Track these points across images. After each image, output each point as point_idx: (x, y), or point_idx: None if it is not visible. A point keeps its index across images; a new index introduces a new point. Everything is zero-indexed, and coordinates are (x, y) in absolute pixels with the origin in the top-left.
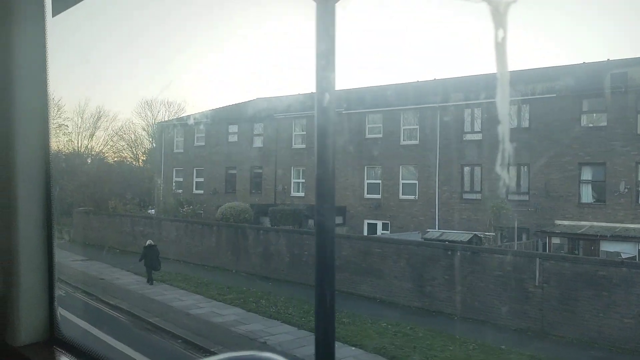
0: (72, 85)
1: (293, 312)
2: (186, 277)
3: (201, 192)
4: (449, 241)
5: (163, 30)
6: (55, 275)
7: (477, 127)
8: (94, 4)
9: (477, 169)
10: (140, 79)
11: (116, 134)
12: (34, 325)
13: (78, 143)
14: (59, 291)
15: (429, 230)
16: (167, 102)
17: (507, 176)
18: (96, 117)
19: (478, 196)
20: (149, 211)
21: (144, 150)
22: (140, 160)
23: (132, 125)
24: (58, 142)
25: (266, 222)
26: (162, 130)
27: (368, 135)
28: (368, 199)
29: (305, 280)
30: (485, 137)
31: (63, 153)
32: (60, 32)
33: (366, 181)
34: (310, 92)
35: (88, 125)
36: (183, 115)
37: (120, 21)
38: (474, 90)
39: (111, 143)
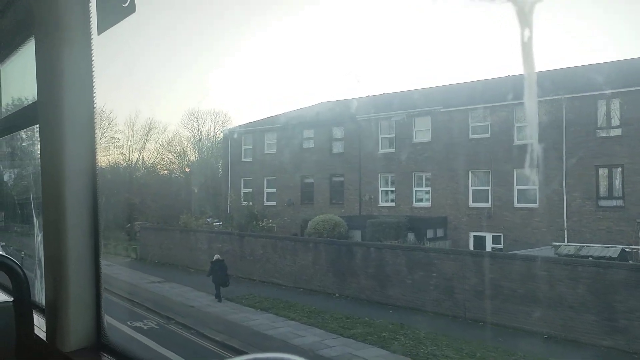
0: (123, 98)
1: (453, 356)
2: (288, 304)
3: (273, 203)
4: (593, 257)
5: (206, 39)
6: (101, 284)
7: (616, 121)
8: (136, 20)
9: (617, 171)
10: (186, 89)
11: (164, 147)
12: (82, 332)
13: (129, 155)
14: (151, 322)
15: (558, 244)
16: (213, 112)
17: None
18: (147, 128)
19: (619, 202)
20: (215, 224)
21: (187, 162)
22: (184, 172)
23: (179, 137)
24: (109, 155)
25: (357, 235)
26: (229, 138)
27: (472, 136)
28: (474, 208)
29: (436, 309)
30: (627, 132)
31: (120, 166)
32: (106, 48)
33: (471, 188)
34: (397, 91)
35: (139, 137)
36: (229, 125)
37: (164, 34)
38: (611, 77)
39: (160, 156)
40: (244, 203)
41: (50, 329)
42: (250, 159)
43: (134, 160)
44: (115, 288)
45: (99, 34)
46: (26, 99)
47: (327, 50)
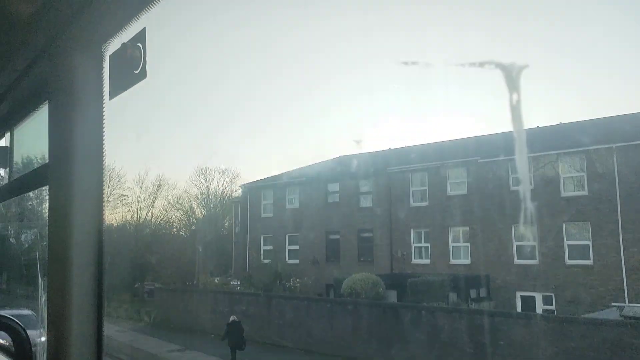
0: (133, 156)
1: None
2: None
3: (296, 261)
4: None
5: (214, 98)
6: (103, 347)
7: None
8: (148, 85)
9: None
10: (194, 147)
11: (172, 205)
12: None
13: (138, 213)
14: None
15: (619, 304)
16: (222, 169)
17: None
18: (157, 185)
19: None
20: (233, 284)
21: (194, 220)
22: (190, 230)
23: (187, 195)
24: (117, 213)
25: (391, 296)
26: (247, 193)
27: (513, 187)
28: (520, 265)
29: None
30: None
31: (128, 224)
32: (118, 111)
33: (515, 243)
34: (430, 142)
35: (148, 194)
36: (238, 182)
37: (173, 96)
38: None
39: (168, 214)
40: (264, 261)
41: None
42: (271, 215)
43: (143, 217)
44: (130, 357)
45: (110, 98)
46: (37, 161)
47: (344, 104)
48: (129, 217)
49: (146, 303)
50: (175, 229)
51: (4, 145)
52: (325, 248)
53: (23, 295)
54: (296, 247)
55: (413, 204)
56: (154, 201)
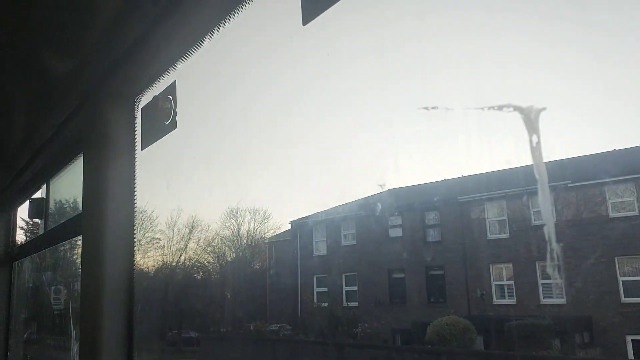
0: (164, 200)
1: None
2: None
3: (355, 304)
4: None
5: (242, 141)
6: None
7: None
8: (176, 135)
9: None
10: (225, 189)
11: (203, 249)
12: None
13: (170, 256)
14: None
15: None
16: (252, 209)
17: None
18: (190, 227)
19: None
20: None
21: (224, 263)
22: (220, 274)
23: (218, 237)
24: (147, 257)
25: (477, 342)
26: (297, 230)
27: (613, 214)
28: (628, 304)
29: None
30: None
31: (161, 269)
32: (149, 159)
33: (620, 278)
34: (503, 168)
35: (180, 237)
36: (270, 222)
37: (202, 144)
38: None
39: (199, 257)
40: (320, 304)
41: None
42: (324, 253)
43: (175, 261)
44: None
45: (142, 149)
46: (71, 210)
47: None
48: (160, 261)
49: (184, 353)
50: (206, 273)
51: (40, 196)
52: (388, 288)
53: (54, 346)
54: (354, 287)
55: (490, 236)
56: (187, 244)
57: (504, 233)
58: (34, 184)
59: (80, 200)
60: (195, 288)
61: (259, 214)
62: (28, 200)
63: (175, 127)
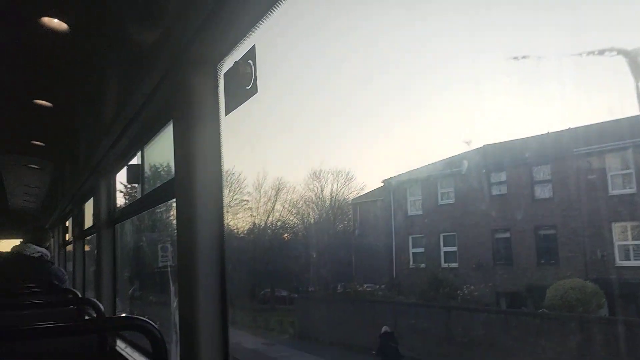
0: (250, 162)
1: None
2: None
3: (454, 265)
4: None
5: (323, 102)
6: (229, 351)
7: None
8: (259, 99)
9: None
10: (308, 151)
11: (288, 210)
12: None
13: (258, 218)
14: None
15: None
16: (336, 171)
17: None
18: (276, 189)
19: None
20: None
21: (307, 224)
22: (304, 235)
23: (302, 199)
24: (237, 219)
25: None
26: (390, 189)
27: None
28: None
29: None
30: None
31: (250, 230)
32: (234, 123)
33: None
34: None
35: (266, 199)
36: (352, 183)
37: (283, 104)
38: None
39: (285, 218)
40: (417, 265)
41: None
42: (420, 213)
43: (263, 222)
44: None
45: (226, 114)
46: (164, 175)
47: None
48: (249, 222)
49: (278, 312)
50: (292, 234)
51: (136, 163)
52: (491, 249)
53: (154, 302)
54: (453, 248)
55: (613, 192)
56: (274, 205)
57: (629, 188)
58: (130, 150)
59: (172, 164)
60: (283, 248)
61: (341, 176)
62: (126, 167)
63: (257, 92)
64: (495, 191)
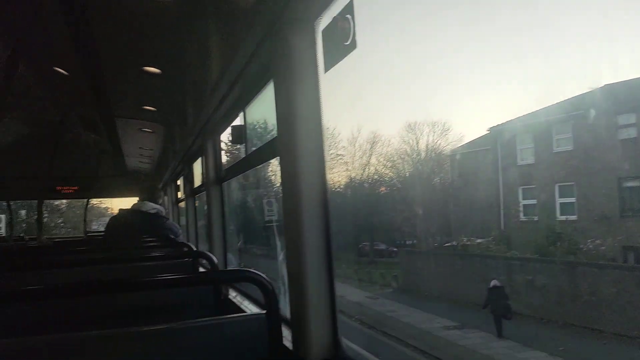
0: (346, 116)
1: None
2: None
3: (573, 217)
4: None
5: (419, 52)
6: (335, 302)
7: None
8: (356, 54)
9: None
10: (405, 103)
11: (382, 164)
12: (322, 344)
13: (353, 172)
14: None
15: None
16: (431, 122)
17: None
18: (371, 142)
19: None
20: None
21: (402, 178)
22: (399, 188)
23: (397, 152)
24: (333, 173)
25: None
26: (496, 137)
27: None
28: None
29: None
30: None
31: (346, 184)
32: (332, 79)
33: None
34: None
35: (361, 153)
36: (449, 135)
37: (380, 56)
38: None
39: (380, 171)
40: (529, 218)
41: (295, 339)
42: (531, 162)
43: (359, 176)
44: (401, 333)
45: (325, 71)
46: (267, 135)
47: None
48: (345, 176)
49: (377, 264)
50: (387, 188)
51: (239, 123)
52: (617, 199)
53: (259, 255)
54: (571, 199)
55: None
56: (369, 159)
57: None
58: (233, 111)
59: (272, 124)
60: (379, 202)
61: (437, 127)
62: (230, 127)
63: (355, 47)
64: (622, 135)
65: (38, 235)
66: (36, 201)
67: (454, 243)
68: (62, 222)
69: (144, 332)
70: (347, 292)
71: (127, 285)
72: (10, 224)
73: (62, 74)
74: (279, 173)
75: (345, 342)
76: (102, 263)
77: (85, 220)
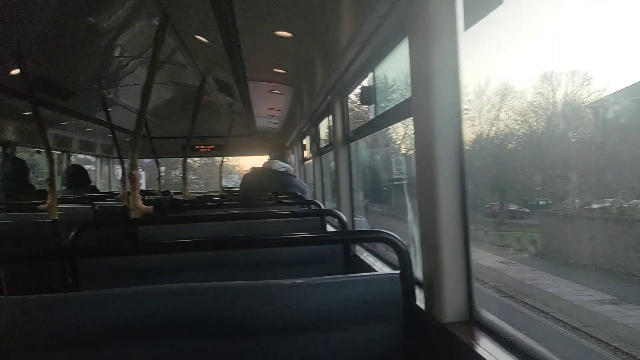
0: (474, 66)
1: None
2: None
3: None
4: None
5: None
6: (471, 264)
7: None
8: (502, 11)
9: None
10: (542, 50)
11: (514, 119)
12: (455, 306)
13: (480, 127)
14: None
15: None
16: (570, 71)
17: None
18: (501, 95)
19: None
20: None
21: (536, 133)
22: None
23: (530, 106)
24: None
25: None
26: None
27: None
28: None
29: None
30: None
31: (476, 140)
32: (470, 40)
33: None
34: None
35: (489, 107)
36: (590, 84)
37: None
38: None
39: (508, 127)
40: None
41: (428, 300)
42: None
43: (486, 131)
44: (545, 305)
45: (465, 29)
46: (397, 96)
47: None
48: (471, 132)
49: (508, 226)
50: (518, 144)
51: (367, 84)
52: None
53: (386, 214)
54: None
55: None
56: (498, 114)
57: None
58: (362, 72)
59: (400, 85)
60: (510, 160)
61: (577, 76)
62: (359, 88)
63: (501, 2)
64: None
65: (184, 190)
66: (172, 159)
67: (606, 204)
68: (195, 179)
69: (278, 285)
70: (478, 256)
71: (263, 242)
72: (158, 180)
73: (202, 41)
74: (407, 133)
75: (480, 308)
76: (238, 218)
77: (220, 177)
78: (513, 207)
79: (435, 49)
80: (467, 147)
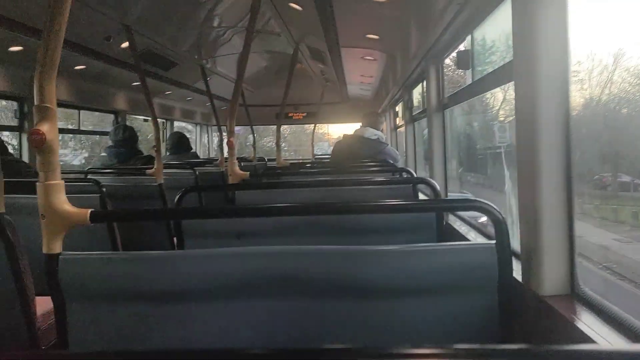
0: (582, 25)
1: None
2: None
3: None
4: None
5: None
6: (574, 238)
7: None
8: None
9: None
10: None
11: (629, 82)
12: (555, 279)
13: (590, 91)
14: None
15: None
16: None
17: None
18: (616, 55)
19: None
20: None
21: None
22: None
23: None
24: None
25: None
26: None
27: None
28: None
29: None
30: None
31: (586, 107)
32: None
33: None
34: None
35: (601, 68)
36: None
37: None
38: None
39: (622, 91)
40: None
41: (525, 272)
42: None
43: (597, 95)
44: None
45: None
46: (496, 59)
47: None
48: (580, 96)
49: (624, 200)
50: (636, 110)
51: (464, 49)
52: None
53: (481, 184)
54: None
55: None
56: (611, 76)
57: None
58: (459, 36)
59: (500, 47)
60: (625, 127)
61: None
62: (455, 52)
63: None
64: None
65: (277, 156)
66: (262, 127)
67: None
68: (285, 147)
69: (373, 251)
70: (586, 232)
71: (356, 208)
72: (254, 147)
73: (296, 9)
74: (506, 98)
75: (581, 283)
76: (330, 185)
77: (312, 145)
78: (626, 178)
79: (541, 7)
80: (574, 113)
